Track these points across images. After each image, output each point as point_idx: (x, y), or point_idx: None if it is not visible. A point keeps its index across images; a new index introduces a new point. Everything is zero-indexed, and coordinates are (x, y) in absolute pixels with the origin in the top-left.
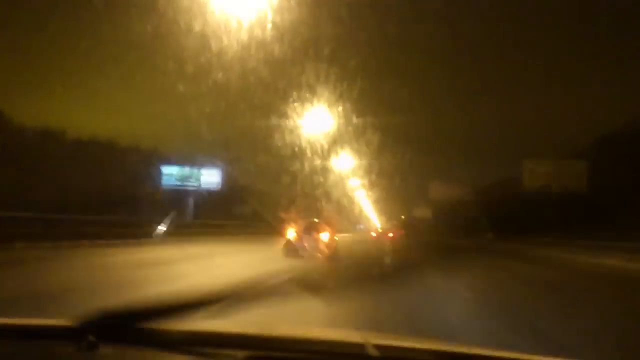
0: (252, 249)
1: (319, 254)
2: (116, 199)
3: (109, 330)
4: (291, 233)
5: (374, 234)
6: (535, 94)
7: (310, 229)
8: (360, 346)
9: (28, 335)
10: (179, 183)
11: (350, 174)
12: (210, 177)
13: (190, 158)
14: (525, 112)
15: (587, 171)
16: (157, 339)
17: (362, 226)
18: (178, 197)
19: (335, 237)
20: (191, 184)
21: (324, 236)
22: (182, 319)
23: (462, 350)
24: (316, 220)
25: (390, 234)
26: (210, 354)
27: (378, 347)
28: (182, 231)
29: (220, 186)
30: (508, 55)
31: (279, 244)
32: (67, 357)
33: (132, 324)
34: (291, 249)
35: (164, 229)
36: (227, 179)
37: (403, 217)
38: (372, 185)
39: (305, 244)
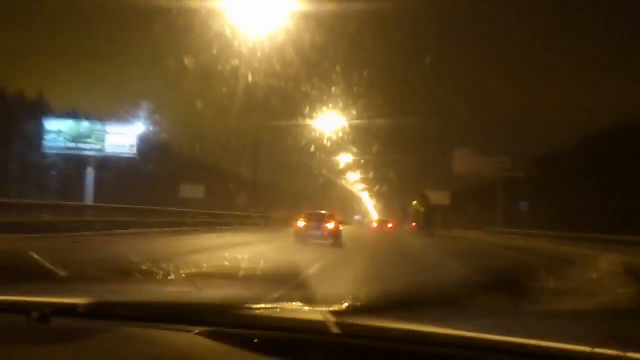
0: None
1: (325, 242)
2: None
3: (61, 305)
4: (301, 223)
5: (375, 225)
6: None
7: (318, 220)
8: (322, 323)
9: None
10: (70, 145)
11: (340, 150)
12: (121, 138)
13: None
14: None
15: None
16: (110, 312)
17: (358, 217)
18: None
19: (340, 227)
20: (90, 147)
21: (330, 226)
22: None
23: (423, 329)
24: (322, 212)
25: (390, 225)
26: (164, 328)
27: (339, 324)
28: None
29: (135, 151)
30: None
31: None
32: (19, 330)
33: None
34: (301, 237)
35: None
36: (159, 144)
37: (416, 202)
38: (370, 166)
39: (314, 233)
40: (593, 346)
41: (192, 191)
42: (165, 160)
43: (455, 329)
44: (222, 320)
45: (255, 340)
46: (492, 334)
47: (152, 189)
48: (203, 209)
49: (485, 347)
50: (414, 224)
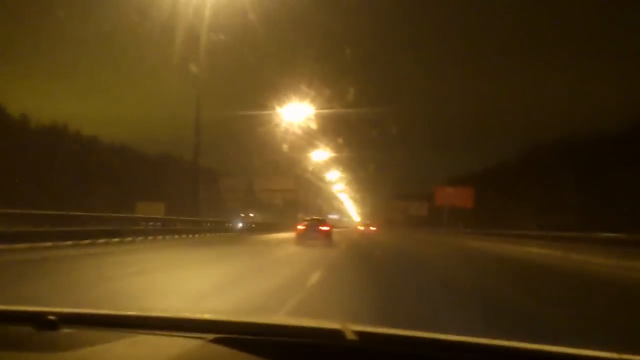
0: None
1: (321, 241)
2: None
3: (70, 314)
4: (301, 227)
5: (361, 228)
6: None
7: (314, 224)
8: (338, 331)
9: None
10: None
11: (325, 161)
12: None
13: None
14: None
15: None
16: (120, 322)
17: (335, 216)
18: None
19: (332, 230)
20: None
21: (325, 229)
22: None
23: (440, 337)
24: (318, 217)
25: (373, 228)
26: (177, 335)
27: (356, 332)
28: None
29: None
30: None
31: None
32: (27, 338)
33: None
34: (301, 238)
35: None
36: None
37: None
38: (353, 173)
39: (311, 234)
40: (620, 353)
41: None
42: None
43: (474, 335)
44: (237, 328)
45: (271, 347)
46: (509, 338)
47: None
48: None
49: (506, 353)
50: None
